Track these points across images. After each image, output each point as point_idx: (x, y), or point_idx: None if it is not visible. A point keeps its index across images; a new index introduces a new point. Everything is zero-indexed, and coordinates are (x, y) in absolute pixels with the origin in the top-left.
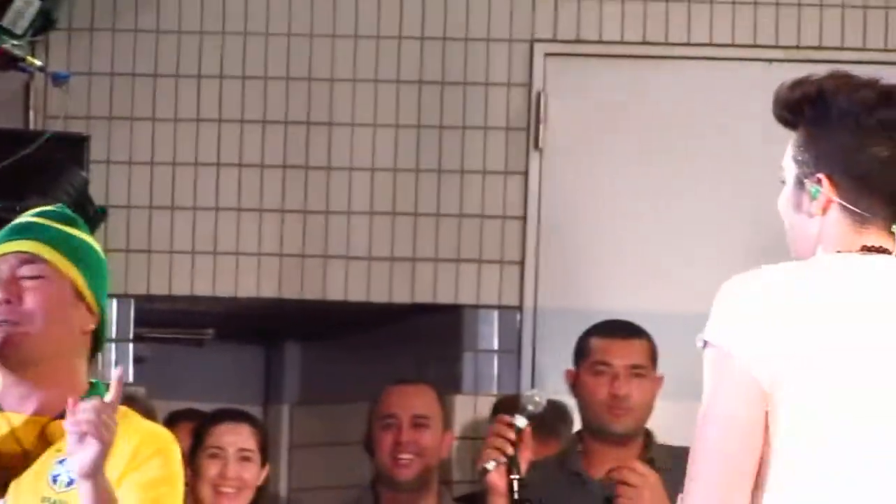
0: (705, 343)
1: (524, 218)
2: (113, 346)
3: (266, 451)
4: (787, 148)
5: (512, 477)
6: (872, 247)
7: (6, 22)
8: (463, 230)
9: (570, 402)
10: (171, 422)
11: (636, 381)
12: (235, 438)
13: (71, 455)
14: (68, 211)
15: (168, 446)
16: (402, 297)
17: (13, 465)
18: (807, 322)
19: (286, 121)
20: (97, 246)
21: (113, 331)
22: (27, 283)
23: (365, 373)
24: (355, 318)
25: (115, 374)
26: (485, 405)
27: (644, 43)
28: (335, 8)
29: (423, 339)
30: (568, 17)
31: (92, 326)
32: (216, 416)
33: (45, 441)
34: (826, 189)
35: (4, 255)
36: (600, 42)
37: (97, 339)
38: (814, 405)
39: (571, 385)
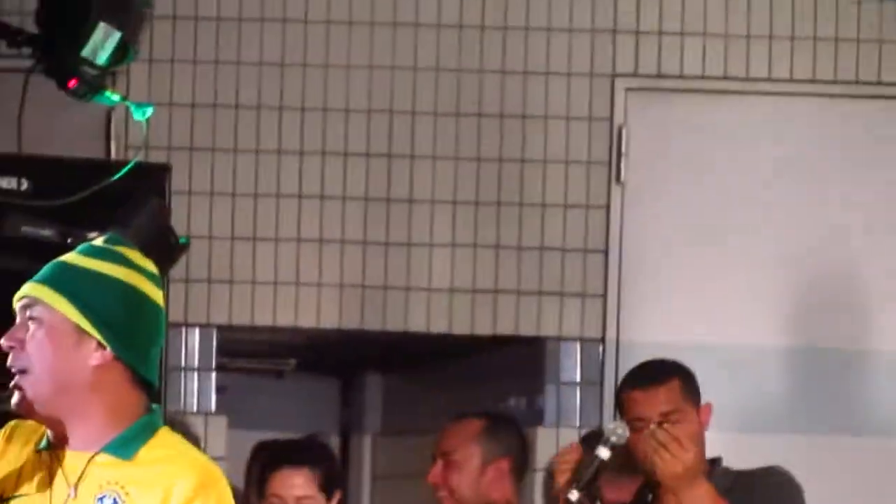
0: None
1: (606, 252)
2: (195, 374)
3: (333, 482)
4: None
5: None
6: None
7: (86, 52)
8: (545, 263)
9: None
10: (258, 451)
11: (671, 427)
12: (293, 487)
13: None
14: (111, 242)
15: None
16: (483, 329)
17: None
18: None
19: (368, 153)
20: (121, 274)
21: (196, 360)
22: (30, 327)
23: (445, 404)
24: (437, 349)
25: None
26: (567, 438)
27: (724, 78)
28: (416, 41)
29: (506, 372)
30: (649, 51)
31: (99, 361)
32: (275, 461)
33: (87, 478)
34: None
35: (19, 297)
36: (681, 77)
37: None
38: None
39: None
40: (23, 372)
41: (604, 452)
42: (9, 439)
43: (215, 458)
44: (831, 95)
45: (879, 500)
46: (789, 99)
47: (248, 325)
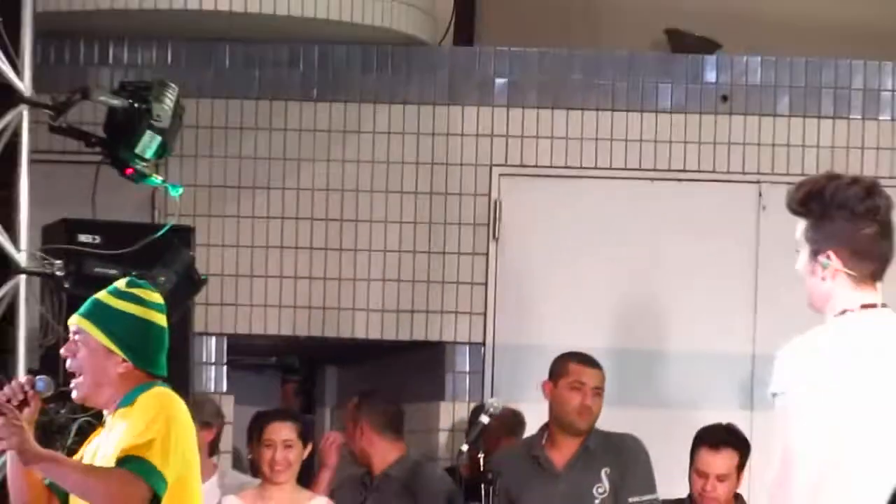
0: (774, 394)
1: (485, 284)
2: (213, 367)
3: (307, 436)
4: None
5: (479, 455)
6: (869, 304)
7: (138, 150)
8: (446, 291)
9: (523, 409)
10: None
11: (597, 398)
12: (281, 432)
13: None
14: (131, 285)
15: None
16: (405, 335)
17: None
18: (853, 377)
19: (327, 218)
20: (135, 310)
21: (213, 357)
22: (78, 346)
23: (380, 387)
24: (373, 349)
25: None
26: (460, 409)
27: (566, 167)
28: (373, 141)
29: (421, 365)
30: (515, 150)
31: (123, 369)
32: (268, 417)
33: (112, 426)
34: (834, 261)
35: (71, 324)
36: (536, 166)
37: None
38: (859, 458)
39: (549, 393)
40: (76, 374)
41: (484, 419)
42: (97, 435)
43: (227, 423)
44: (645, 179)
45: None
46: (609, 182)
47: (247, 334)
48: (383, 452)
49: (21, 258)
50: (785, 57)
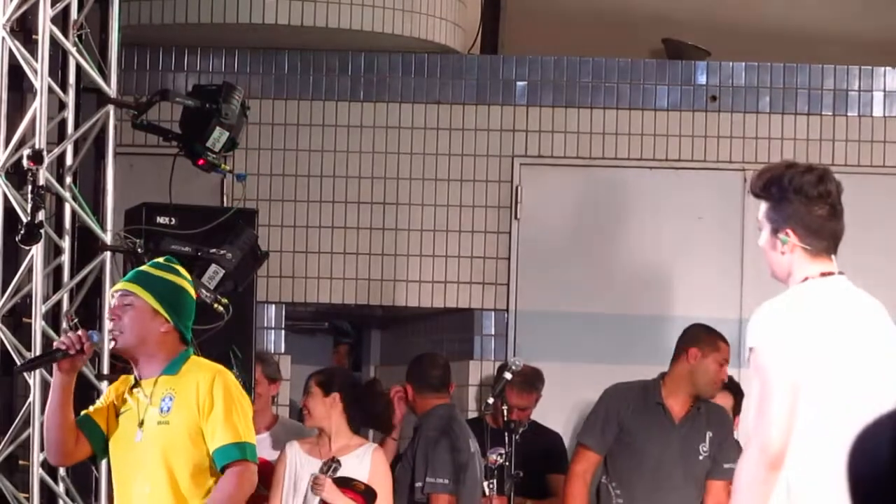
0: (751, 349)
1: (508, 258)
2: (272, 331)
3: (327, 386)
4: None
5: (503, 406)
6: (827, 272)
7: (209, 144)
8: (474, 266)
9: (541, 368)
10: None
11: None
12: (307, 384)
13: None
14: (168, 262)
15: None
16: (440, 303)
17: (145, 410)
18: (816, 331)
19: (371, 202)
20: (180, 282)
21: (272, 322)
22: (124, 308)
23: (417, 348)
24: (413, 315)
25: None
26: (487, 367)
27: (577, 157)
28: (399, 137)
29: (453, 329)
30: (534, 142)
31: (165, 329)
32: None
33: (156, 391)
34: (792, 238)
35: (117, 290)
36: (552, 156)
37: (184, 335)
38: (821, 395)
39: (694, 359)
40: (118, 332)
41: (508, 375)
42: (115, 388)
43: (285, 380)
44: (645, 168)
45: None
46: (615, 170)
47: (303, 302)
48: (421, 408)
49: (107, 237)
50: (766, 62)
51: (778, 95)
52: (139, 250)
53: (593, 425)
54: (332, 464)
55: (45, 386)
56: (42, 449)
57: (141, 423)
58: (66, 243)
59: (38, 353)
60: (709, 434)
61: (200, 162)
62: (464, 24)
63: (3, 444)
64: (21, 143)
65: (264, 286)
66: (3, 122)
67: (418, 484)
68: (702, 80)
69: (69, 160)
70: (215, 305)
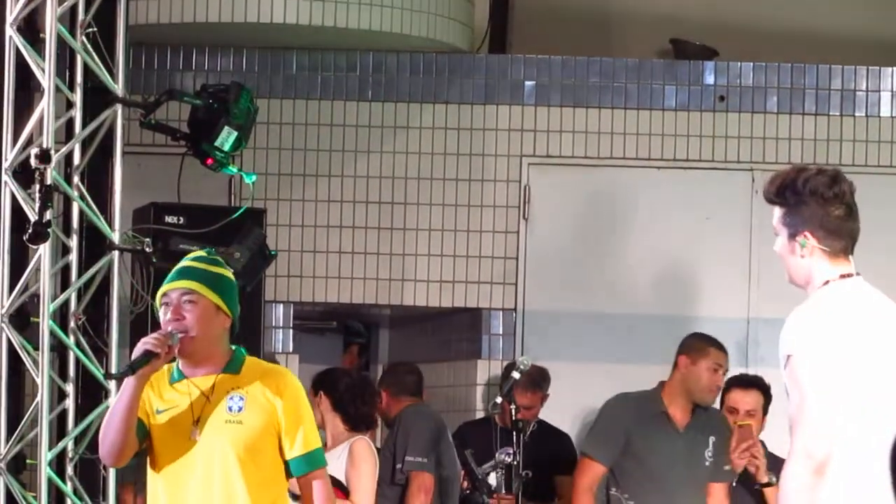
0: (788, 357)
1: (516, 258)
2: (280, 330)
3: (315, 386)
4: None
5: (511, 405)
6: (846, 274)
7: (217, 143)
8: (482, 266)
9: (548, 367)
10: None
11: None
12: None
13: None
14: (210, 254)
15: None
16: (448, 303)
17: (201, 408)
18: (847, 335)
19: (380, 202)
20: (229, 274)
21: (280, 321)
22: (187, 307)
23: (427, 347)
24: (421, 315)
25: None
26: (495, 367)
27: (586, 157)
28: (419, 137)
29: (461, 328)
30: (542, 143)
31: (227, 325)
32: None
33: (217, 389)
34: (811, 240)
35: (175, 289)
36: (560, 156)
37: (234, 328)
38: (859, 399)
39: (684, 367)
40: (183, 332)
41: (515, 375)
42: (148, 384)
43: None
44: (653, 167)
45: None
46: (623, 170)
47: (311, 302)
48: (395, 411)
49: (115, 237)
50: (773, 63)
51: (786, 95)
52: (147, 250)
53: (597, 437)
54: None
55: (53, 385)
56: (50, 448)
57: (197, 421)
58: (73, 242)
59: (132, 359)
60: (711, 439)
61: (209, 161)
62: (472, 24)
63: (10, 442)
64: (28, 143)
65: (272, 286)
66: (10, 122)
67: (398, 465)
68: (710, 80)
69: (77, 159)
70: None
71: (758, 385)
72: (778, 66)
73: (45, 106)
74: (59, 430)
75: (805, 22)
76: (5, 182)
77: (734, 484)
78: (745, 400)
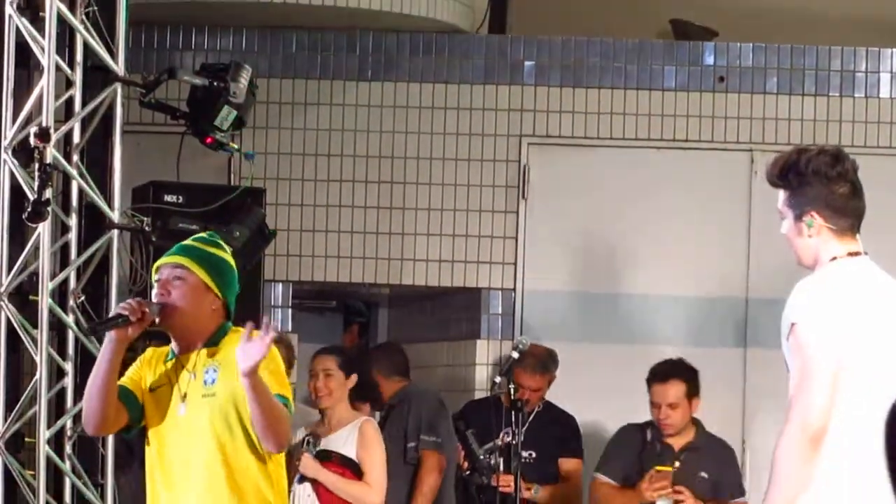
0: (792, 325)
1: (515, 238)
2: (280, 309)
3: (350, 367)
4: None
5: (510, 385)
6: (854, 252)
7: (217, 122)
8: (482, 245)
9: (549, 346)
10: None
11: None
12: (322, 363)
13: (240, 363)
14: (212, 236)
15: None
16: (447, 283)
17: (187, 384)
18: (853, 309)
19: (379, 181)
20: (227, 257)
21: (280, 300)
22: (176, 282)
23: (427, 326)
24: (421, 294)
25: (265, 320)
26: (493, 346)
27: (585, 136)
28: (419, 116)
29: (461, 308)
30: (542, 122)
31: (217, 306)
32: (317, 352)
33: (197, 365)
34: (818, 220)
35: (167, 263)
36: (560, 136)
37: (229, 308)
38: (860, 373)
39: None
40: (170, 305)
41: (515, 354)
42: (146, 361)
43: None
44: (652, 147)
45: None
46: (622, 150)
47: (310, 281)
48: (388, 391)
49: (114, 215)
50: (773, 44)
51: (785, 76)
52: (146, 228)
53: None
54: (309, 439)
55: (52, 364)
56: (48, 426)
57: (184, 397)
58: (73, 221)
59: (105, 317)
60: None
61: (208, 140)
62: (472, 4)
63: (9, 421)
64: (28, 121)
65: (272, 265)
66: (10, 100)
67: (411, 444)
68: (709, 60)
69: (76, 138)
70: None
71: (676, 374)
72: (778, 47)
73: (44, 84)
74: (57, 408)
75: (805, 3)
76: (5, 160)
77: None
78: (667, 394)
